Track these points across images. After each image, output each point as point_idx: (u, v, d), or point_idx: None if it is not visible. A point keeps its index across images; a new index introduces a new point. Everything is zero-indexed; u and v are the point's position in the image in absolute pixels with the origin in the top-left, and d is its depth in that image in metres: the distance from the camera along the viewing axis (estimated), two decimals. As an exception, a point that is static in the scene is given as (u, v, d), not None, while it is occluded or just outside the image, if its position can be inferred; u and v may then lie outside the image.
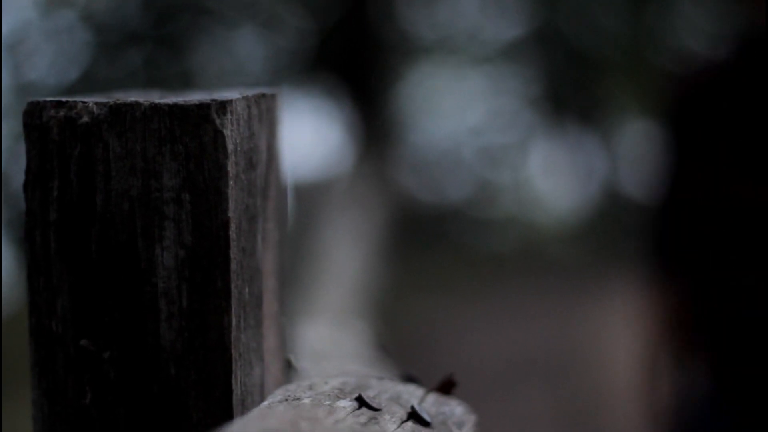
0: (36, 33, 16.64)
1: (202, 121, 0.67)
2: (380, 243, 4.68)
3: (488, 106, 19.07)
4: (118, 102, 0.71)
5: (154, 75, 16.40)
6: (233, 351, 0.73)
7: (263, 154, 0.74)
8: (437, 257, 15.81)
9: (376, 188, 6.65)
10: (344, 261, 2.99)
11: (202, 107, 0.70)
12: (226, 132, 0.69)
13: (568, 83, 15.47)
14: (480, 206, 19.25)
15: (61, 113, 0.73)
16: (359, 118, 14.29)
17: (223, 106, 0.69)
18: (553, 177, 18.02)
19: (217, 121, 0.68)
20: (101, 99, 0.74)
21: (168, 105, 0.68)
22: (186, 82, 16.41)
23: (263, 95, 0.74)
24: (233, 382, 0.74)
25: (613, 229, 13.34)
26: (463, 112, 19.47)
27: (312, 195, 2.98)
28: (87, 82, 16.22)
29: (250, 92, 0.72)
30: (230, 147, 0.69)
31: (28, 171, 0.75)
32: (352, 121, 14.81)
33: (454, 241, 18.10)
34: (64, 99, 0.73)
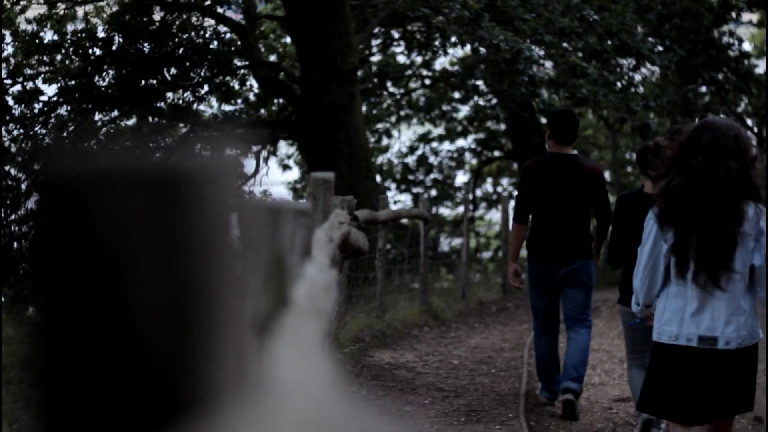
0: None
1: (182, 187, 0.82)
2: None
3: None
4: (115, 168, 0.85)
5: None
6: (210, 362, 0.87)
7: (231, 212, 0.89)
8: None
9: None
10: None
11: (181, 176, 0.85)
12: (206, 194, 0.84)
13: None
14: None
15: (77, 175, 0.86)
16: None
17: (203, 173, 0.84)
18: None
19: (195, 187, 0.83)
20: (102, 159, 0.88)
21: (156, 173, 0.83)
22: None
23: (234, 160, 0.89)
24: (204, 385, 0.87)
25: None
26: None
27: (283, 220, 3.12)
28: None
29: (224, 156, 0.87)
30: (211, 206, 0.83)
31: (38, 224, 0.89)
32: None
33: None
34: (80, 160, 0.86)
